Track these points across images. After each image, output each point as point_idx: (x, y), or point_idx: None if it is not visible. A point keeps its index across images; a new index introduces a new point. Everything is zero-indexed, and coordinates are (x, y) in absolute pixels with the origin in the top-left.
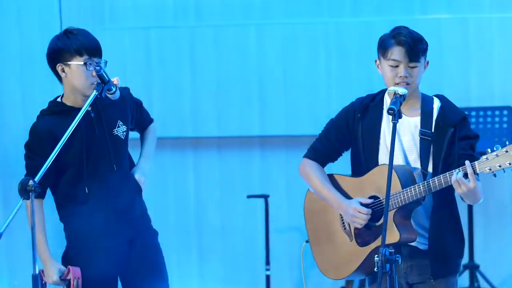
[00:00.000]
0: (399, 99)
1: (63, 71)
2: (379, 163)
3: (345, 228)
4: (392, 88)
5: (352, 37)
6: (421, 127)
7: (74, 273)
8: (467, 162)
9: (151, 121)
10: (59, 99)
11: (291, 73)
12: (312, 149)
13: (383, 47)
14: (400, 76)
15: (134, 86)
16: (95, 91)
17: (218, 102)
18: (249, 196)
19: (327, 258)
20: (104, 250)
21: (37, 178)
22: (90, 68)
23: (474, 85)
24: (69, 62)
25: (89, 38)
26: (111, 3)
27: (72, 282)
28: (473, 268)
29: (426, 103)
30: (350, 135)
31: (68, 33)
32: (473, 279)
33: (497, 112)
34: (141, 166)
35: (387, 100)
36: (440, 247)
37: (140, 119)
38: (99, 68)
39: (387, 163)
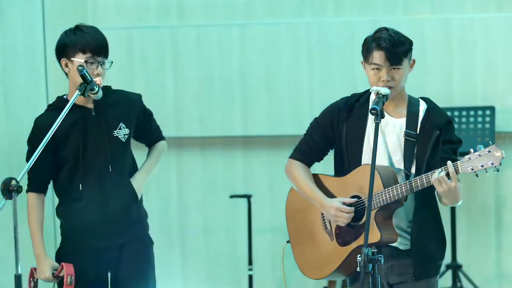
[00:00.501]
0: (381, 99)
1: (66, 66)
2: (362, 163)
3: (326, 228)
4: (375, 88)
5: (334, 37)
6: (406, 128)
7: (67, 269)
8: (449, 162)
9: (161, 138)
10: (65, 96)
11: (274, 73)
12: (297, 149)
13: (365, 50)
14: (383, 80)
15: (117, 86)
16: (77, 91)
17: (200, 102)
18: (231, 196)
19: (308, 258)
20: (94, 251)
21: (20, 178)
22: (92, 67)
23: (457, 85)
24: (72, 58)
25: (96, 37)
26: (94, 3)
27: (65, 279)
28: (455, 268)
29: (412, 105)
30: (334, 134)
31: (77, 30)
32: (455, 279)
33: (479, 112)
34: (136, 178)
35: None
36: (422, 248)
37: (146, 130)
38: (81, 68)
39: (370, 163)
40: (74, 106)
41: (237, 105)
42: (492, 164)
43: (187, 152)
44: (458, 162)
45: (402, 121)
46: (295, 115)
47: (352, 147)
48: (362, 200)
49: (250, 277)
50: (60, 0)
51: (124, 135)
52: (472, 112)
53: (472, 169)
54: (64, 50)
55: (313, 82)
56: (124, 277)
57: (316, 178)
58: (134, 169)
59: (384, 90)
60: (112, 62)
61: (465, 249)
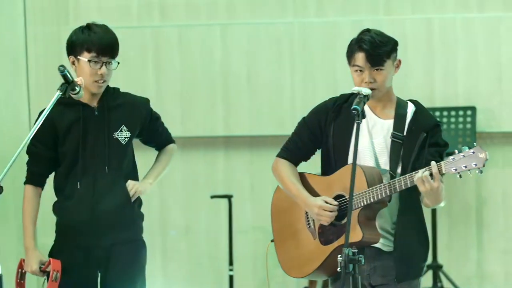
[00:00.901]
0: (363, 99)
1: (73, 63)
2: (349, 163)
3: (309, 227)
4: (356, 88)
5: (316, 37)
6: (394, 129)
7: (54, 265)
8: (433, 162)
9: (170, 141)
10: None
11: (255, 73)
12: (284, 148)
13: (349, 52)
14: (365, 82)
15: None
16: (59, 91)
17: (182, 103)
18: (212, 197)
19: (291, 257)
20: (83, 249)
21: (1, 178)
22: (96, 67)
23: (438, 85)
24: (78, 57)
25: (103, 37)
26: (75, 3)
27: (51, 274)
28: (436, 268)
29: (400, 106)
30: (322, 134)
31: (86, 28)
32: (436, 279)
33: (461, 112)
34: (144, 182)
35: None
36: (405, 250)
37: (153, 133)
38: (62, 68)
39: (356, 163)
40: (78, 103)
41: (218, 105)
42: (476, 165)
43: None
44: (442, 162)
45: (390, 123)
46: (276, 115)
47: (339, 147)
48: (346, 199)
49: (231, 277)
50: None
51: (125, 137)
52: (453, 112)
53: (456, 170)
54: (72, 47)
55: (294, 82)
56: (113, 278)
57: (302, 177)
58: (134, 172)
59: (365, 91)
60: (119, 62)
61: (446, 249)
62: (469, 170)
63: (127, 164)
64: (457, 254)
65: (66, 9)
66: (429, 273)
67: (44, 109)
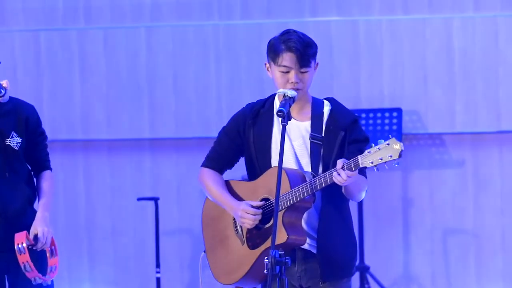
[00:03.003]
0: (288, 101)
1: None
2: (273, 167)
3: (237, 232)
4: (281, 90)
5: (242, 40)
6: (312, 131)
7: (17, 239)
8: (339, 160)
9: (47, 167)
10: None
11: (181, 76)
12: (207, 157)
13: (273, 52)
14: (292, 82)
15: (24, 88)
16: None
17: (108, 105)
18: (139, 199)
19: (221, 264)
20: None
21: None
22: None
23: (364, 87)
24: None
25: None
26: (0, 5)
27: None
28: (363, 269)
29: (316, 106)
30: (242, 141)
31: None
32: (363, 280)
33: (386, 114)
34: (42, 218)
35: (277, 104)
36: (329, 249)
37: (34, 150)
38: None
39: (282, 165)
40: None
41: (144, 107)
42: (391, 156)
43: (94, 155)
44: (359, 156)
45: (307, 124)
46: (202, 117)
47: (261, 152)
48: (271, 201)
49: (158, 279)
50: None
51: (17, 143)
52: (379, 114)
53: (372, 163)
54: None
55: (220, 85)
56: (20, 281)
57: (228, 184)
58: (30, 176)
59: (291, 93)
60: (0, 62)
61: (372, 250)
62: (385, 162)
63: (24, 167)
64: (384, 256)
65: None
66: (356, 275)
67: None
